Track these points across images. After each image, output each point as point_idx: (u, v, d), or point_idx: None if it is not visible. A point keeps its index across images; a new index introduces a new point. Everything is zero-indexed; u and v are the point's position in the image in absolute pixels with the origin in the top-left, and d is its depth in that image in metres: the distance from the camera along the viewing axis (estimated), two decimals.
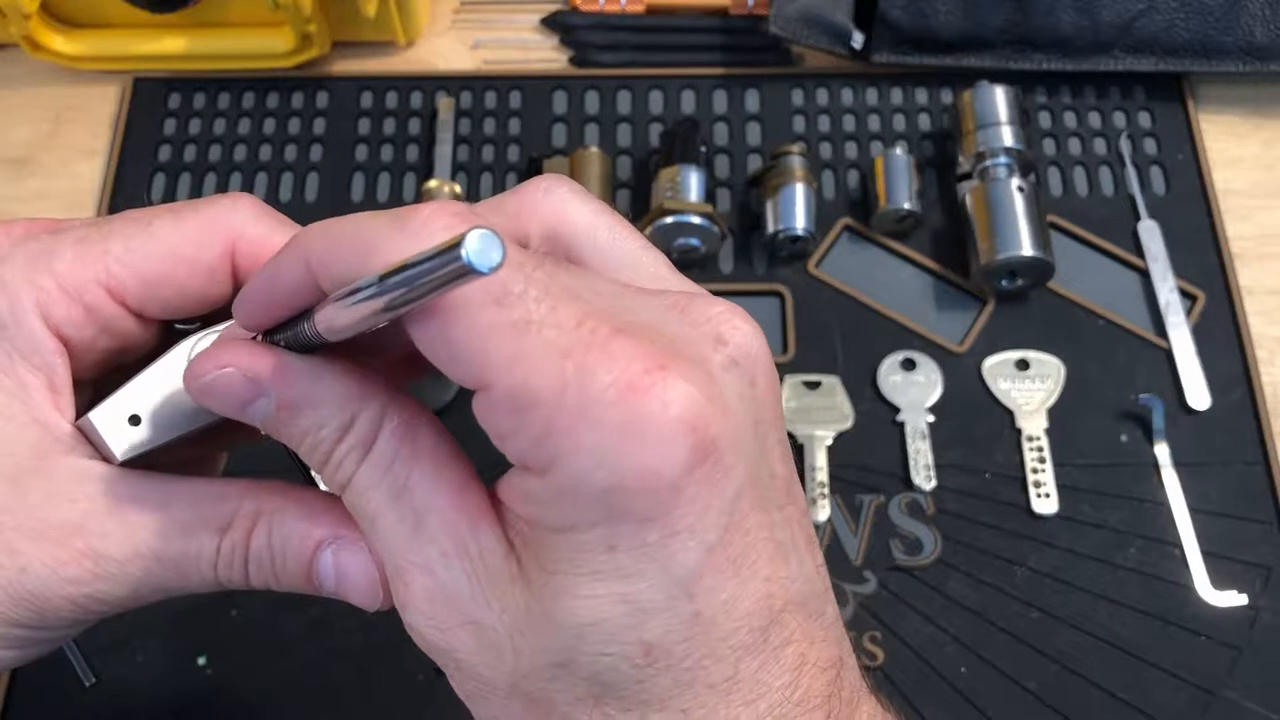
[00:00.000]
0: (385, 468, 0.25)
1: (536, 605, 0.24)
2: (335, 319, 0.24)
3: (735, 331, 0.25)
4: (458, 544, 0.25)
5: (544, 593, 0.24)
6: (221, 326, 0.29)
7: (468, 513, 0.25)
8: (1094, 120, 0.67)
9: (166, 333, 0.30)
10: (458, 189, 0.64)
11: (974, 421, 0.58)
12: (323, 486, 0.29)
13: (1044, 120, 0.67)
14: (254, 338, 0.27)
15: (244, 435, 0.33)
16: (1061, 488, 0.56)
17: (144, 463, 0.29)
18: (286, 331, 0.26)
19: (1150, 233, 0.63)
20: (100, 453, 0.28)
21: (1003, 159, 0.61)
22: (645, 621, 0.23)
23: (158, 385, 0.28)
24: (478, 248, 0.20)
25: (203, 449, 0.33)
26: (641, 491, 0.22)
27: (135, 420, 0.28)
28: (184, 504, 0.28)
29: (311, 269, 0.24)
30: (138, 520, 0.27)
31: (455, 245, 0.20)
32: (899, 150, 0.63)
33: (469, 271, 0.20)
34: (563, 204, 0.27)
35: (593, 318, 0.23)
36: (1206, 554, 0.54)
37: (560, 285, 0.23)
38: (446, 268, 0.20)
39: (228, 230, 0.29)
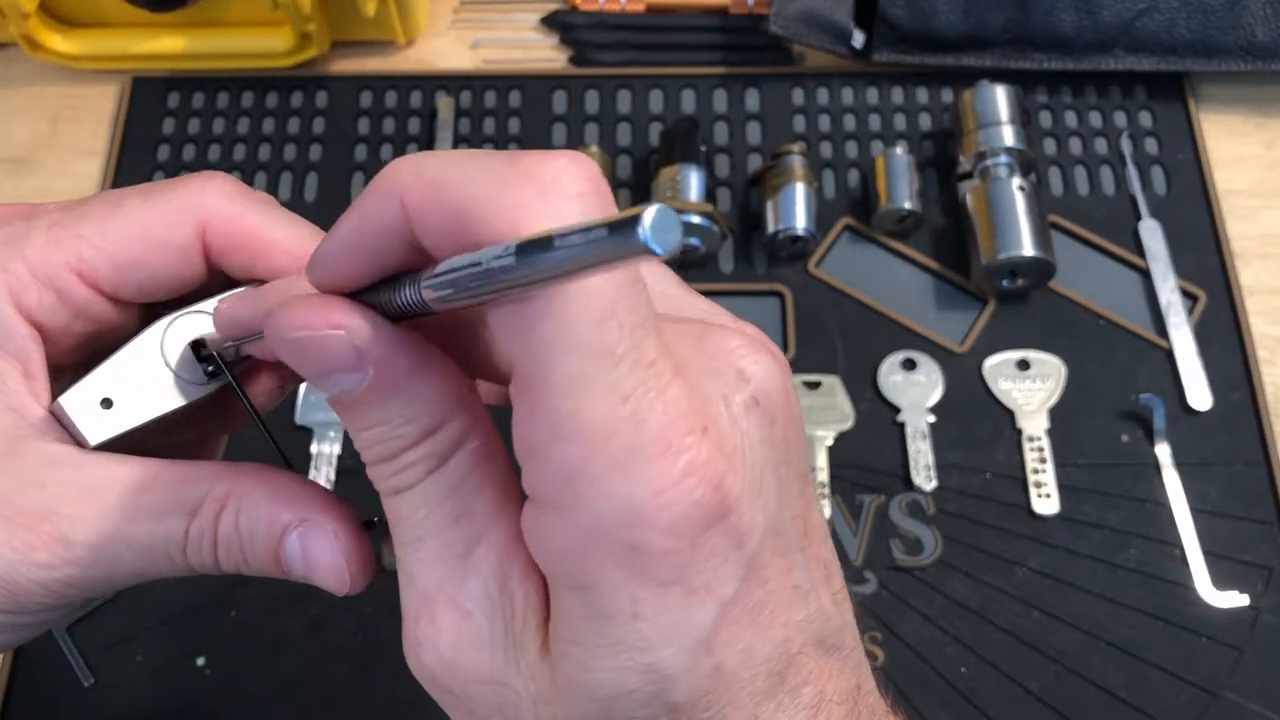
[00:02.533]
0: (453, 488, 0.24)
1: (560, 676, 0.23)
2: (451, 289, 0.21)
3: (756, 367, 0.24)
4: (505, 590, 0.24)
5: (565, 664, 0.23)
6: (197, 308, 0.29)
7: (521, 560, 0.24)
8: (1095, 119, 0.67)
9: (145, 314, 0.30)
10: None
11: (975, 422, 0.58)
12: (320, 482, 0.29)
13: (1045, 120, 0.67)
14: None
15: (229, 420, 0.32)
16: (1062, 488, 0.56)
17: (126, 445, 0.28)
18: (379, 295, 0.23)
19: (1151, 232, 0.63)
20: (74, 437, 0.28)
21: (1003, 158, 0.61)
22: (672, 686, 0.23)
23: (130, 368, 0.28)
24: (658, 225, 0.16)
25: (199, 431, 0.33)
26: (664, 554, 0.21)
27: (107, 404, 0.28)
28: (154, 488, 0.27)
29: (409, 217, 0.21)
30: (108, 504, 0.27)
31: (632, 221, 0.17)
32: (899, 150, 0.63)
33: (644, 252, 0.17)
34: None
35: (662, 356, 0.21)
36: (1207, 554, 0.54)
37: (651, 312, 0.21)
38: (615, 246, 0.17)
39: (198, 210, 0.29)
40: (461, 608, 0.24)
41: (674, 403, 0.21)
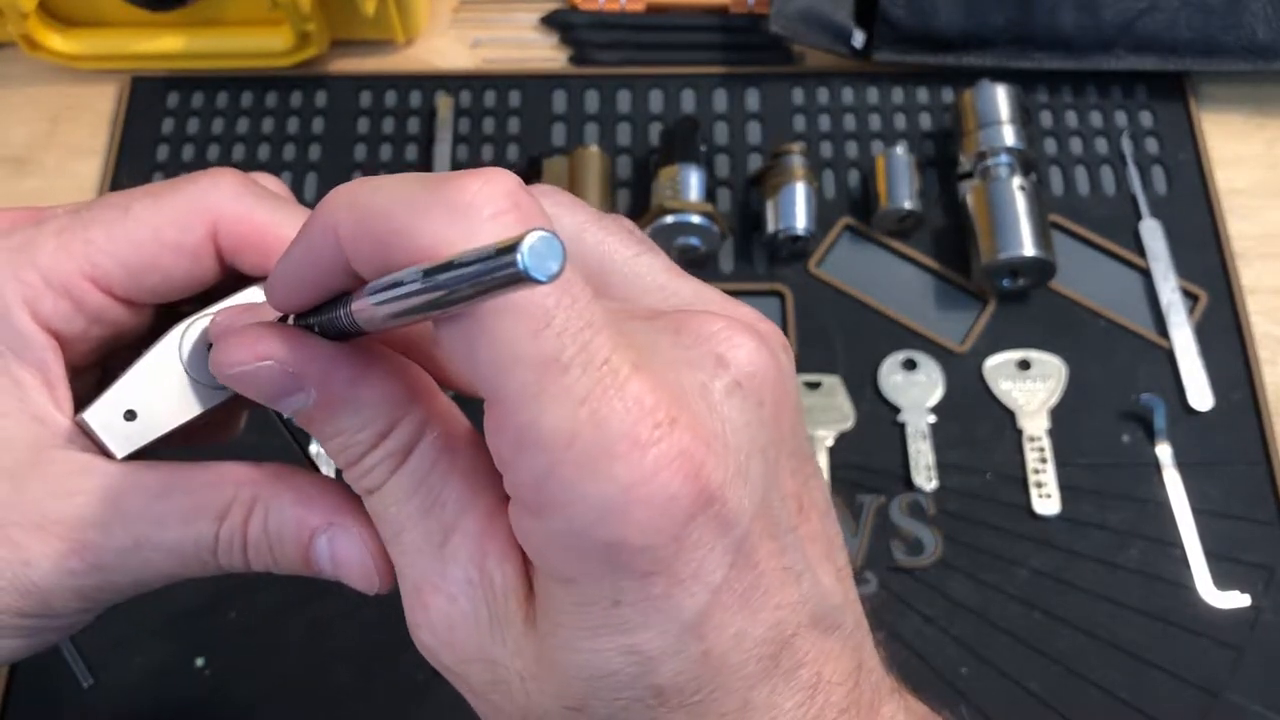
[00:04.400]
0: (419, 481, 0.25)
1: (545, 654, 0.24)
2: (374, 312, 0.22)
3: (736, 350, 0.24)
4: (484, 574, 0.24)
5: (551, 643, 0.23)
6: (214, 309, 0.29)
7: (498, 542, 0.24)
8: (1095, 119, 0.67)
9: (161, 315, 0.30)
10: None
11: (975, 422, 0.58)
12: (324, 470, 0.29)
13: (1045, 119, 0.67)
14: (284, 319, 0.26)
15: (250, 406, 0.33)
16: (1063, 488, 0.56)
17: (151, 448, 0.29)
18: (322, 316, 0.24)
19: (1152, 232, 0.63)
20: (100, 449, 0.28)
21: (1004, 158, 0.61)
22: (656, 668, 0.23)
23: (151, 377, 0.28)
24: (537, 252, 0.17)
25: (223, 415, 0.33)
26: (644, 549, 0.22)
27: (131, 416, 0.28)
28: (181, 493, 0.28)
29: (342, 246, 0.22)
30: (136, 511, 0.27)
31: (510, 248, 0.17)
32: (900, 149, 0.63)
33: (524, 279, 0.17)
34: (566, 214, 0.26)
35: (617, 352, 0.21)
36: (1208, 554, 0.54)
37: (595, 311, 0.21)
38: (499, 272, 0.18)
39: (207, 210, 0.29)
40: (446, 593, 0.25)
41: (635, 398, 0.21)
